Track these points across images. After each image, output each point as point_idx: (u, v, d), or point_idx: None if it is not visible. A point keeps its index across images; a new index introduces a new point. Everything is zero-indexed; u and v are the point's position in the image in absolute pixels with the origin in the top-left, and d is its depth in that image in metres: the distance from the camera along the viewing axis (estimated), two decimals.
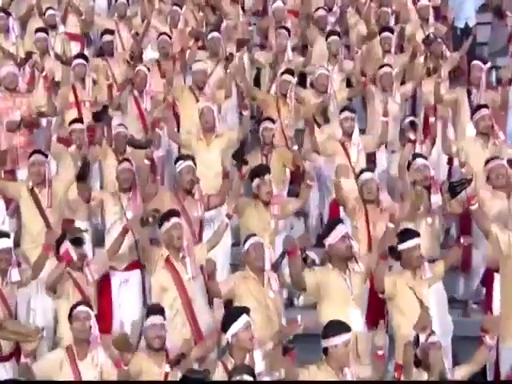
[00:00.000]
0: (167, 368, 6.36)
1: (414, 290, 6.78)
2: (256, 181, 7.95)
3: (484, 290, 7.90)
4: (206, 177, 8.30)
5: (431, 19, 11.11)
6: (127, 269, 7.89)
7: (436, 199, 7.67)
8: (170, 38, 10.46)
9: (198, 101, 9.49)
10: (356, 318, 6.62)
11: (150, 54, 10.76)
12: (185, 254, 7.15)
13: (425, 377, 6.07)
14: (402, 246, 6.83)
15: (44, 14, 10.92)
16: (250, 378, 5.74)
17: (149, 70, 9.81)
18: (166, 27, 11.02)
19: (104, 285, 7.70)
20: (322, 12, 11.10)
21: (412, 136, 8.80)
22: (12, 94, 9.33)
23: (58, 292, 7.03)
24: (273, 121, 9.09)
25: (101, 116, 9.07)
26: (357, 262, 6.79)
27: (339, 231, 6.75)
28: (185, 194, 7.92)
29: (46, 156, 8.02)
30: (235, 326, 6.15)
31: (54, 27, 10.70)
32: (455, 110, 9.38)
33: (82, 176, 7.86)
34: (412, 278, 6.84)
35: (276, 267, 7.14)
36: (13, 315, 6.94)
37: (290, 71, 9.78)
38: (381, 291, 6.83)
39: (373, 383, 6.10)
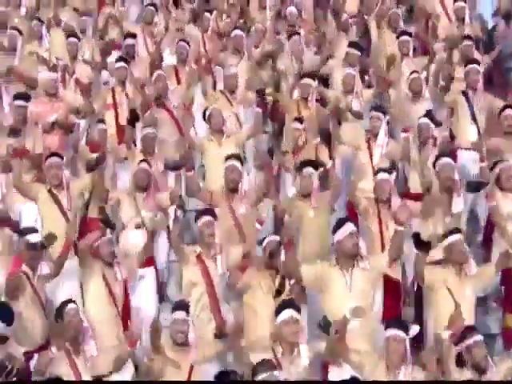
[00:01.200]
0: (192, 362, 6.45)
1: (454, 287, 6.75)
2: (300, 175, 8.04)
3: (503, 288, 7.86)
4: (218, 176, 8.25)
5: (467, 19, 10.99)
6: (141, 266, 7.78)
7: (458, 202, 7.62)
8: (189, 44, 10.45)
9: (231, 104, 9.56)
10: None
11: (168, 59, 10.76)
12: (216, 251, 7.23)
13: (468, 376, 6.10)
14: (445, 242, 6.83)
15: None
16: (277, 374, 5.83)
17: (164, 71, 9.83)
18: (198, 32, 11.10)
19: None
20: (345, 16, 11.21)
21: (436, 133, 8.77)
22: (52, 98, 9.44)
23: (85, 274, 7.06)
24: (301, 121, 9.11)
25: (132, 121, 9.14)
26: (362, 260, 6.74)
27: (347, 228, 6.72)
28: (230, 192, 7.99)
29: (62, 158, 8.06)
30: (278, 318, 6.34)
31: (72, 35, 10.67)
32: (455, 111, 9.34)
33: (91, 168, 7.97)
34: (455, 274, 6.81)
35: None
36: (45, 309, 7.00)
37: (310, 75, 9.76)
38: (420, 280, 6.87)
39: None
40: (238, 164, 8.02)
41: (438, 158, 7.90)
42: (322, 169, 8.11)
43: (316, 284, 6.74)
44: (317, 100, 9.72)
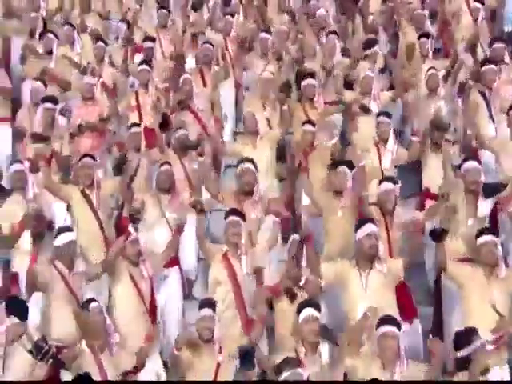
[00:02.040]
0: (219, 358, 6.51)
1: (481, 288, 6.62)
2: (331, 172, 8.03)
3: None
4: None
5: (479, 21, 10.82)
6: (166, 266, 7.77)
7: (482, 205, 7.55)
8: (213, 46, 10.47)
9: (264, 108, 9.55)
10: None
11: (191, 62, 10.79)
12: (242, 252, 7.23)
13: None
14: (478, 241, 6.73)
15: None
16: (300, 372, 5.84)
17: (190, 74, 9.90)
18: (220, 36, 11.08)
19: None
20: (370, 18, 11.16)
21: (450, 137, 8.73)
22: (87, 102, 9.61)
23: (114, 277, 7.13)
24: (313, 124, 9.02)
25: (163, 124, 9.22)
26: (380, 262, 6.72)
27: (367, 228, 6.72)
28: (244, 195, 7.94)
29: (95, 159, 8.14)
30: (299, 317, 6.38)
31: (100, 40, 10.75)
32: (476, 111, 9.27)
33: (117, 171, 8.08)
34: (484, 275, 6.66)
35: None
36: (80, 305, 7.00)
37: (311, 75, 9.67)
38: (442, 269, 6.80)
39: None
40: (252, 167, 7.95)
41: (464, 160, 7.76)
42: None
43: (335, 282, 6.79)
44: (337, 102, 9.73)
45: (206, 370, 6.49)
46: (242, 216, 7.35)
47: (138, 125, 9.19)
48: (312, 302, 6.51)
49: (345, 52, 10.72)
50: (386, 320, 6.19)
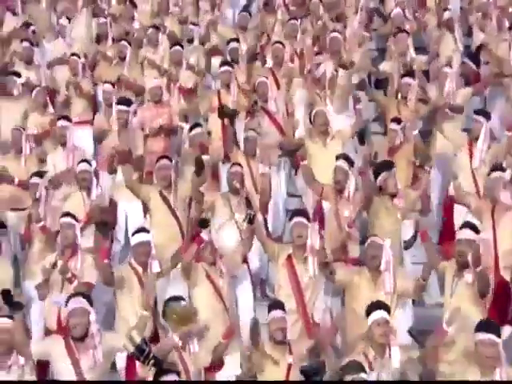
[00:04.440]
0: (290, 359, 6.26)
1: None
2: (383, 175, 7.65)
3: None
4: (323, 178, 7.98)
5: None
6: None
7: None
8: (284, 46, 10.25)
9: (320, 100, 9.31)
10: None
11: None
12: (307, 253, 6.94)
13: None
14: None
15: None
16: (365, 377, 5.52)
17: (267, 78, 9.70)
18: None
19: None
20: (448, 14, 10.81)
21: None
22: (156, 104, 9.54)
23: (192, 280, 6.99)
24: (398, 121, 8.70)
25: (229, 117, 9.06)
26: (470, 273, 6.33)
27: (463, 233, 6.40)
28: (338, 193, 7.74)
29: (171, 160, 8.04)
30: (369, 320, 6.06)
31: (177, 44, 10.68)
32: None
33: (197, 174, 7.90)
34: None
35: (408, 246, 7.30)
36: (152, 304, 6.79)
37: (410, 73, 9.42)
38: None
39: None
40: (344, 165, 7.72)
41: None
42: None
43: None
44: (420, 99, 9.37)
45: (278, 371, 6.26)
46: (308, 217, 7.08)
47: (200, 125, 9.05)
48: (382, 304, 6.16)
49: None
50: (485, 326, 5.73)
